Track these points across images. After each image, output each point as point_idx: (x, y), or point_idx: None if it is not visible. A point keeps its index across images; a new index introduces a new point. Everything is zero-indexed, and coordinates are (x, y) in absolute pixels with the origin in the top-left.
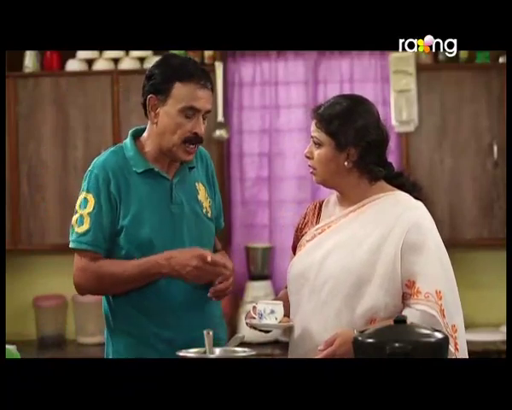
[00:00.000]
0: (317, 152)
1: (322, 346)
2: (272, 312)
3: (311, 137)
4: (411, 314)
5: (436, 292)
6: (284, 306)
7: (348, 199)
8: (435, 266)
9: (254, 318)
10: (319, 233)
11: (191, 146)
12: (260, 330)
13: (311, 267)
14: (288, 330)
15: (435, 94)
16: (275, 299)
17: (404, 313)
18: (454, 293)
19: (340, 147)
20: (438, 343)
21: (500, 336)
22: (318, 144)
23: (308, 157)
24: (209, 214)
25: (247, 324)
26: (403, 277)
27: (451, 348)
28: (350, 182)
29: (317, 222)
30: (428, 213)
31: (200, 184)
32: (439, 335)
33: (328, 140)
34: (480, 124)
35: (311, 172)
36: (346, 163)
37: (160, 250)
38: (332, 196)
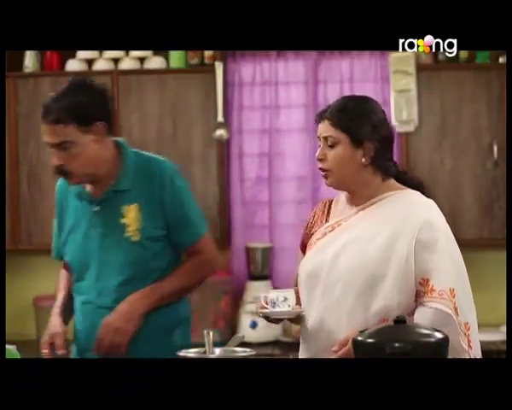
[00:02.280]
0: (332, 152)
1: (337, 347)
2: (285, 299)
3: (323, 138)
4: (425, 313)
5: (450, 290)
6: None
7: (359, 197)
8: (448, 264)
9: (266, 308)
10: (329, 231)
11: (61, 177)
12: (271, 321)
13: (323, 266)
14: (292, 327)
15: (435, 94)
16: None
17: (417, 311)
18: (467, 290)
19: (357, 142)
20: (438, 343)
21: (500, 336)
22: (333, 144)
23: (321, 159)
24: (135, 238)
25: (259, 314)
26: (416, 275)
27: (465, 345)
28: (364, 180)
29: (327, 220)
30: (439, 211)
31: (132, 206)
32: (439, 335)
33: (343, 137)
34: (480, 124)
35: (325, 175)
36: (363, 160)
37: (77, 273)
38: (341, 195)
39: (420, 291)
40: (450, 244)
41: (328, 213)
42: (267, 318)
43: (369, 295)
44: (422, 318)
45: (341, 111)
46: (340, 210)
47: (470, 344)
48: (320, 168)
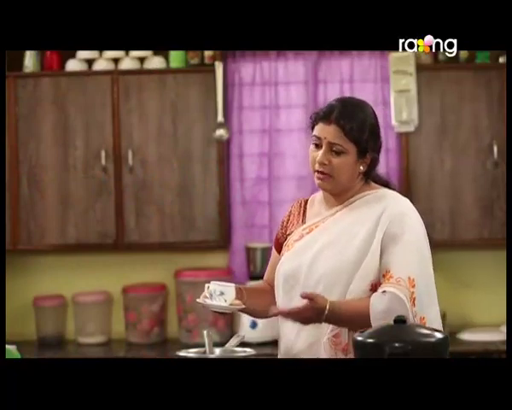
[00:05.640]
0: (338, 160)
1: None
2: (221, 293)
3: (329, 143)
4: (378, 298)
5: (409, 279)
6: (258, 294)
7: (338, 198)
8: (410, 256)
9: (206, 298)
10: (307, 233)
11: None
12: (214, 311)
13: (301, 268)
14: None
15: (435, 94)
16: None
17: (372, 296)
18: (429, 286)
19: (362, 154)
20: (438, 343)
21: (500, 336)
22: (340, 152)
23: (325, 164)
24: None
25: (198, 302)
26: (381, 268)
27: None
28: (352, 183)
29: (304, 221)
30: (413, 208)
31: None
32: (439, 335)
33: (352, 148)
34: (480, 124)
35: (322, 178)
36: (361, 168)
37: None
38: (317, 195)
39: (380, 283)
40: (418, 239)
41: (304, 213)
42: (208, 308)
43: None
44: (377, 302)
45: (352, 120)
46: (316, 211)
47: None
48: (320, 171)
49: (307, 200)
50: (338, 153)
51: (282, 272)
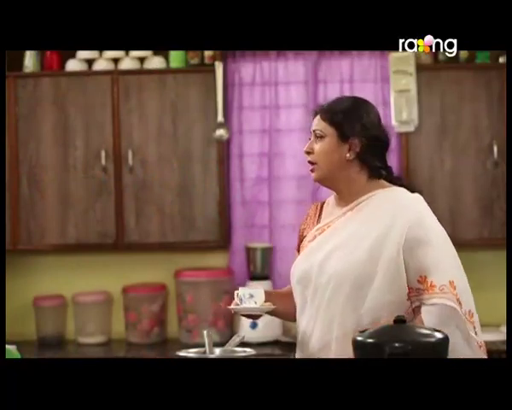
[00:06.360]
0: (319, 145)
1: None
2: (251, 296)
3: (313, 131)
4: (429, 312)
5: (450, 283)
6: (280, 297)
7: (345, 197)
8: (444, 257)
9: (237, 304)
10: (319, 234)
11: None
12: (245, 316)
13: (313, 268)
14: (288, 329)
15: (435, 94)
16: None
17: (422, 311)
18: (464, 279)
19: (344, 137)
20: (438, 343)
21: (500, 336)
22: (321, 136)
23: (309, 152)
24: None
25: (232, 310)
26: (412, 273)
27: (472, 333)
28: (349, 176)
29: (318, 222)
30: (426, 205)
31: None
32: (439, 335)
33: (331, 131)
34: (480, 124)
35: (311, 169)
36: (348, 154)
37: None
38: (331, 197)
39: (419, 289)
40: (442, 237)
41: (320, 215)
42: (240, 313)
43: (359, 296)
44: (429, 316)
45: (333, 106)
46: (329, 212)
47: (475, 331)
48: (308, 162)
49: (324, 202)
50: (319, 138)
51: (295, 274)
